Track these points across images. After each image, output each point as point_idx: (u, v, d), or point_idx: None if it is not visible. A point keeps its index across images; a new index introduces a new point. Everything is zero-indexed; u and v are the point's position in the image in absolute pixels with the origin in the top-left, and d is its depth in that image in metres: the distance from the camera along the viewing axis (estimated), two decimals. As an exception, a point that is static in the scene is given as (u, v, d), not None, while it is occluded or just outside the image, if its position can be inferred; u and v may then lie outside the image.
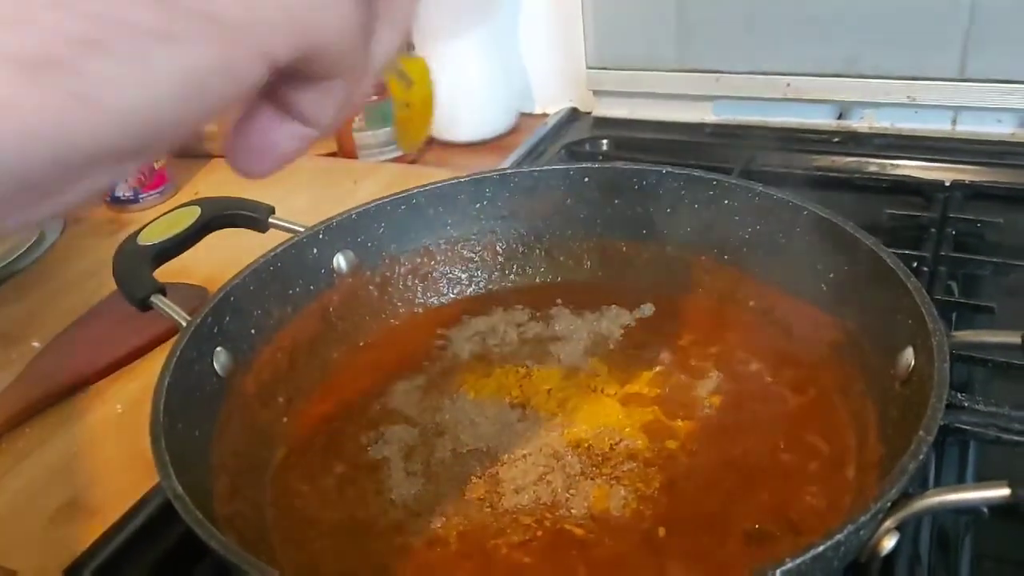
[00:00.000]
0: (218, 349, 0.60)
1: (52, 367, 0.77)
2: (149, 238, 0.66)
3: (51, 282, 0.91)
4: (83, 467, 0.67)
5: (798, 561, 0.38)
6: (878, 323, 0.58)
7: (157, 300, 0.61)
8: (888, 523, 0.43)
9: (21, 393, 0.74)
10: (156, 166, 1.03)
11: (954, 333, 0.53)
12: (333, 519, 0.55)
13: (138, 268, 0.64)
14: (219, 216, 0.69)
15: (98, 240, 0.97)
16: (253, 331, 0.64)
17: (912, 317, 0.53)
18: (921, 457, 0.42)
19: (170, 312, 0.60)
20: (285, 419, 0.63)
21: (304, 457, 0.61)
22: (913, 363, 0.52)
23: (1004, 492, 0.40)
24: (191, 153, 1.12)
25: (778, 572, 0.37)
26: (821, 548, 0.38)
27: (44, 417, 0.73)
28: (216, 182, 1.08)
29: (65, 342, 0.80)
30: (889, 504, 0.42)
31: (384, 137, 1.08)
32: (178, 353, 0.55)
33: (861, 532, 0.42)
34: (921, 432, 0.43)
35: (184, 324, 0.59)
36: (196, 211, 0.68)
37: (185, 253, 0.69)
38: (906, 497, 0.43)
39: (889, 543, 0.43)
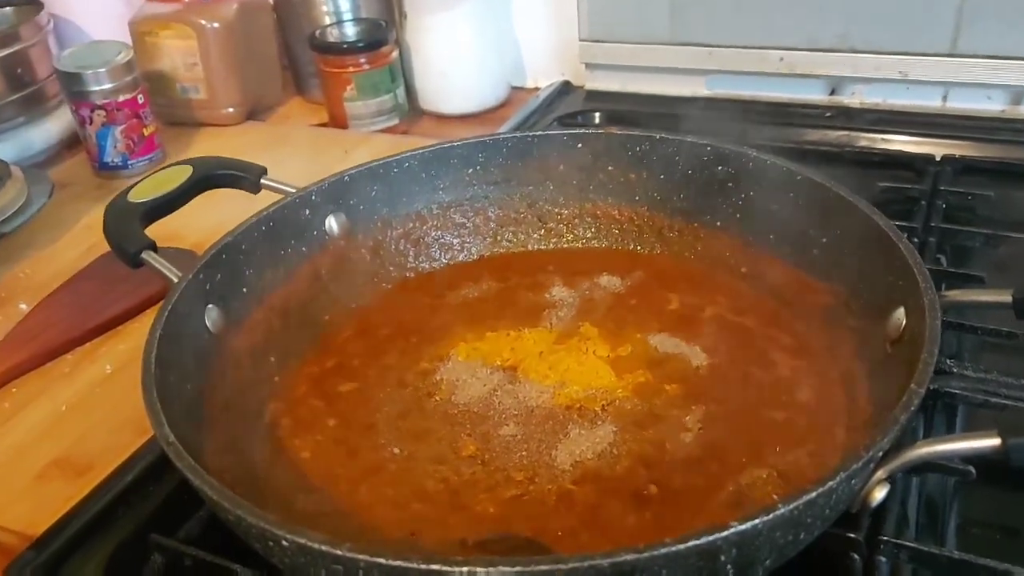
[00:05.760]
0: (210, 306, 0.60)
1: (39, 329, 0.76)
2: (140, 195, 0.66)
3: (38, 246, 0.90)
4: (71, 426, 0.67)
5: (791, 506, 0.38)
6: (869, 286, 0.58)
7: (148, 256, 0.61)
8: (879, 473, 0.43)
9: (7, 354, 0.73)
10: (146, 132, 1.02)
11: (945, 292, 0.53)
12: (324, 475, 0.55)
13: (129, 225, 0.63)
14: (211, 175, 0.69)
15: (86, 205, 0.96)
16: (245, 290, 0.64)
17: (903, 278, 0.53)
18: (913, 408, 0.43)
19: (161, 268, 0.60)
20: (277, 378, 0.63)
21: (296, 415, 0.61)
22: (904, 323, 0.52)
23: (995, 442, 0.41)
24: (181, 121, 1.12)
25: (771, 517, 0.38)
26: (814, 494, 0.39)
27: (31, 378, 0.73)
28: (207, 150, 1.07)
29: (52, 304, 0.79)
30: (881, 454, 0.42)
31: (375, 107, 1.07)
32: (170, 307, 0.55)
33: (853, 481, 0.42)
34: (913, 385, 0.44)
35: (175, 280, 0.58)
36: (188, 170, 0.68)
37: (175, 218, 0.69)
38: (897, 448, 0.44)
39: (880, 494, 0.44)
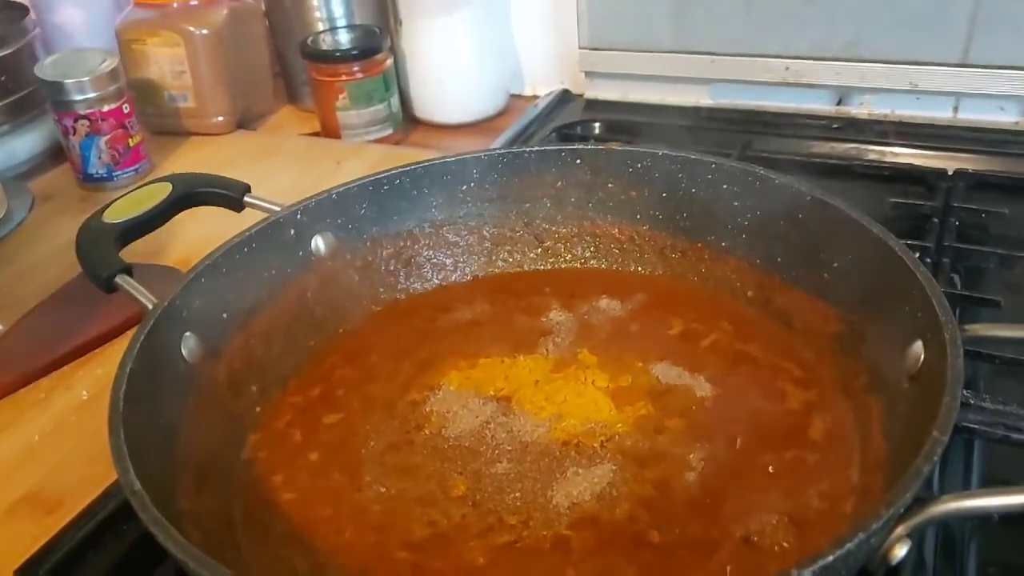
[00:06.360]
0: (187, 334, 0.57)
1: (15, 351, 0.73)
2: (116, 215, 0.62)
3: (17, 262, 0.87)
4: (44, 457, 0.64)
5: (805, 572, 0.35)
6: (884, 314, 0.55)
7: (123, 281, 0.58)
8: (900, 530, 0.40)
9: (-18, 378, 0.70)
10: (132, 143, 0.99)
11: (966, 327, 0.50)
12: (305, 517, 0.52)
13: (103, 246, 0.60)
14: (191, 193, 0.66)
15: (68, 219, 0.93)
16: (225, 315, 0.60)
17: (922, 309, 0.50)
18: (936, 459, 0.39)
19: (136, 294, 0.57)
20: (258, 409, 0.60)
21: (277, 449, 0.57)
22: (923, 357, 0.49)
23: (1025, 499, 0.38)
24: (169, 130, 1.09)
25: (784, 584, 0.34)
26: (831, 558, 0.36)
27: (4, 404, 0.69)
28: (195, 160, 1.04)
29: (29, 325, 0.76)
30: (902, 509, 0.39)
31: (369, 117, 1.04)
32: (142, 338, 0.52)
33: (872, 540, 0.39)
34: (935, 432, 0.41)
35: (150, 307, 0.55)
36: (167, 188, 0.65)
37: (158, 233, 0.66)
38: (919, 503, 0.40)
39: (900, 551, 0.41)
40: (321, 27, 1.08)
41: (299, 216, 0.66)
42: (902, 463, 0.42)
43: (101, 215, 0.63)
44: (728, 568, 0.46)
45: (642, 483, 0.52)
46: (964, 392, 0.56)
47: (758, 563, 0.46)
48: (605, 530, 0.49)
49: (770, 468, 0.52)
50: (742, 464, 0.53)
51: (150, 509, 0.40)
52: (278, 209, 0.65)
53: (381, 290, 0.70)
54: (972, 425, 0.55)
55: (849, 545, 0.36)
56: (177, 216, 0.67)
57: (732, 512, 0.50)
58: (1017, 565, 0.53)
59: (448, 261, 0.72)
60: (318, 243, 0.67)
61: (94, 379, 0.71)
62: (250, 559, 0.49)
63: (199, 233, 0.75)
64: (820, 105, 1.00)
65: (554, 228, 0.73)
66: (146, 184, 0.67)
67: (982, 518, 0.52)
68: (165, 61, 1.06)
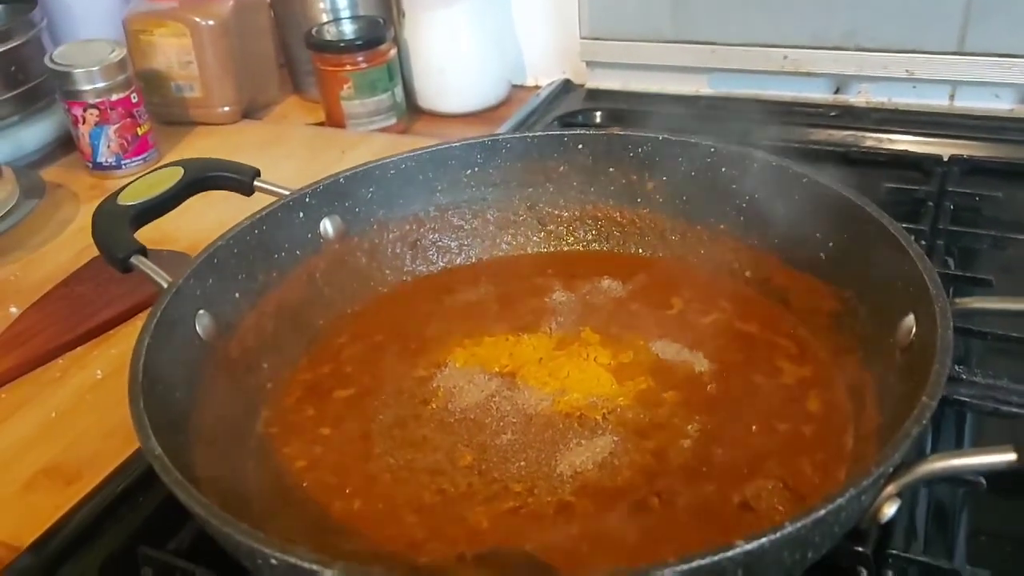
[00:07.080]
0: (200, 312, 0.58)
1: (29, 333, 0.75)
2: (130, 198, 0.64)
3: (29, 248, 0.89)
4: (61, 433, 0.66)
5: (799, 525, 0.37)
6: (877, 291, 0.56)
7: (138, 261, 0.60)
8: (890, 488, 0.42)
9: (-3, 359, 0.72)
10: (140, 132, 1.00)
11: (956, 300, 0.52)
12: (317, 486, 0.54)
13: (118, 228, 0.62)
14: (203, 177, 0.68)
15: (79, 206, 0.95)
16: (237, 295, 0.62)
17: (913, 284, 0.52)
18: (924, 422, 0.41)
19: (151, 273, 0.59)
20: (269, 385, 0.62)
21: (288, 424, 0.59)
22: (914, 330, 0.51)
23: (1010, 457, 0.39)
24: (176, 120, 1.10)
25: (778, 536, 0.36)
26: (823, 512, 0.37)
27: (21, 384, 0.71)
28: (202, 149, 1.06)
29: (43, 308, 0.78)
30: (891, 469, 0.41)
31: (373, 106, 1.06)
32: (159, 314, 0.54)
33: (863, 497, 0.40)
34: (924, 397, 0.42)
35: (165, 286, 0.57)
36: (179, 172, 0.66)
37: (169, 220, 0.68)
38: (908, 463, 0.42)
39: (890, 510, 0.42)
40: (325, 18, 1.09)
41: (308, 199, 0.67)
42: (893, 432, 0.43)
43: (116, 198, 0.65)
44: (725, 531, 0.48)
45: (642, 453, 0.54)
46: (956, 367, 0.59)
47: (755, 526, 0.48)
48: (607, 497, 0.51)
49: (766, 438, 0.54)
50: (739, 435, 0.55)
51: (171, 471, 0.42)
52: (287, 193, 0.67)
53: (388, 272, 0.72)
54: (964, 398, 0.57)
55: (840, 500, 0.38)
56: (187, 202, 0.68)
57: (729, 480, 0.51)
58: (1007, 534, 0.55)
59: (453, 244, 0.74)
60: (326, 226, 0.69)
61: (108, 359, 0.73)
62: (264, 527, 0.51)
63: (209, 219, 0.76)
64: (818, 93, 1.02)
65: (557, 212, 0.74)
66: (159, 168, 0.68)
67: (974, 485, 0.54)
68: (172, 51, 1.07)
